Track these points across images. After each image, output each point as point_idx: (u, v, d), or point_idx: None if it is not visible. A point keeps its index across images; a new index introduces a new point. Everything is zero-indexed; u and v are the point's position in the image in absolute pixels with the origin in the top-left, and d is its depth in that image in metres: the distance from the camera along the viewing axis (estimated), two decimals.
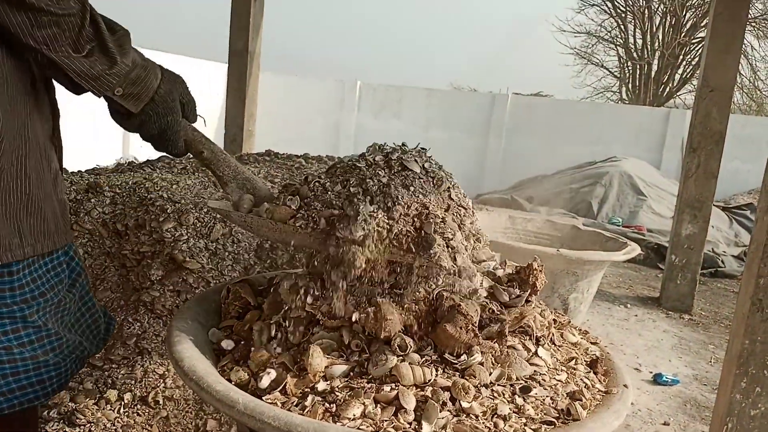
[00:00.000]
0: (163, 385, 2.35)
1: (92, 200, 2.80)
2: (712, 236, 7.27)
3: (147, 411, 2.19)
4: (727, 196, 9.77)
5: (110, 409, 2.16)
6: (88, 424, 2.06)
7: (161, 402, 2.24)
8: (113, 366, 2.37)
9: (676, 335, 4.48)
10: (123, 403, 2.20)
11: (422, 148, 1.32)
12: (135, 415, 2.16)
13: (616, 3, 16.65)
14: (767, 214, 2.62)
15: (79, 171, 3.21)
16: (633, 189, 8.37)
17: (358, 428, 0.86)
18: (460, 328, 1.01)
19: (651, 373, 3.66)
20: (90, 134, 8.27)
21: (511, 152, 11.21)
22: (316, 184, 1.17)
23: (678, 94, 16.28)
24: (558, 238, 2.74)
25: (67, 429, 2.04)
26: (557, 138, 10.97)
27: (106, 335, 1.38)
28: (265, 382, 0.97)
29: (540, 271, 1.21)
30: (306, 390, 0.94)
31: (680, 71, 16.13)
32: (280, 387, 0.95)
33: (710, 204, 5.06)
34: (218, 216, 2.82)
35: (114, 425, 2.07)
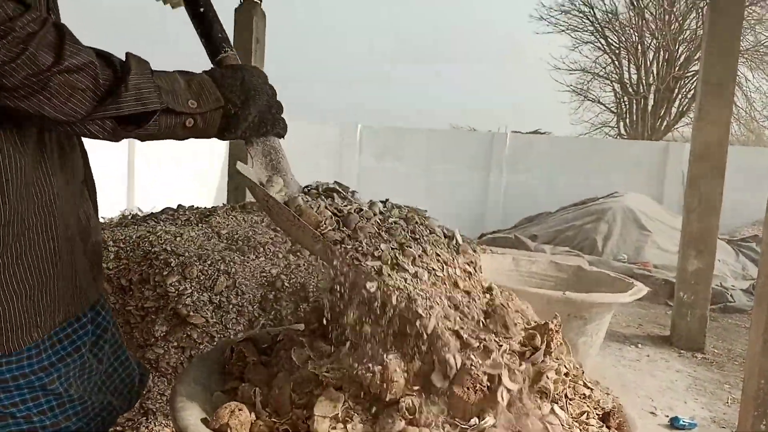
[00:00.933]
0: None
1: None
2: (719, 270, 7.21)
3: None
4: (731, 228, 9.74)
5: None
6: None
7: None
8: (117, 429, 2.33)
9: (690, 375, 4.39)
10: None
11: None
12: None
13: (609, 40, 16.98)
14: None
15: None
16: (636, 224, 8.35)
17: None
18: (468, 389, 0.99)
19: (667, 417, 3.57)
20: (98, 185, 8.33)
21: (512, 190, 11.27)
22: (373, 223, 1.14)
23: (676, 127, 16.43)
24: (563, 279, 2.72)
25: None
26: (558, 174, 11.04)
27: (140, 388, 1.33)
28: None
29: (557, 331, 1.18)
30: None
31: (676, 104, 16.33)
32: None
33: (715, 238, 5.03)
34: (221, 268, 2.82)
35: None
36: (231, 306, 2.75)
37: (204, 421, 1.05)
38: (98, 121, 0.89)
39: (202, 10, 1.17)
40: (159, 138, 0.99)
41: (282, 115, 1.14)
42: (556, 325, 1.23)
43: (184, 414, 1.05)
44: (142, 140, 0.99)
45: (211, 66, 1.13)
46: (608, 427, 1.10)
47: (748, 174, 9.42)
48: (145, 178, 9.50)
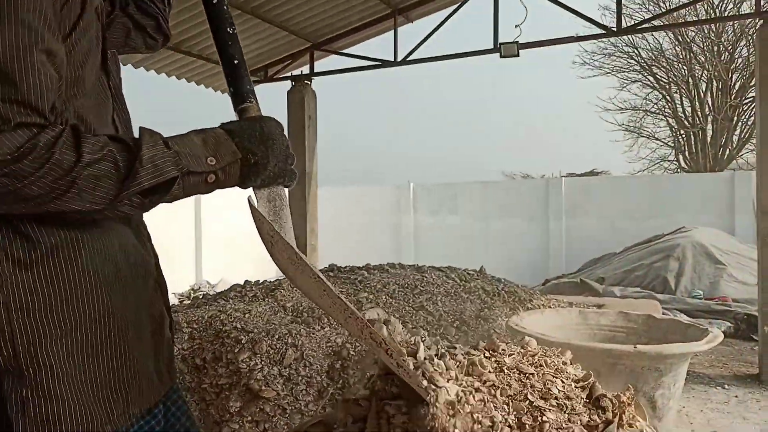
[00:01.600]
0: None
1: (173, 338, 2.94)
2: None
3: None
4: None
5: None
6: None
7: None
8: None
9: None
10: None
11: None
12: None
13: (657, 76, 16.71)
14: None
15: None
16: (709, 258, 8.00)
17: None
18: None
19: None
20: (165, 262, 8.74)
21: (573, 234, 11.04)
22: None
23: (740, 154, 15.81)
24: (633, 330, 2.64)
25: None
26: (618, 214, 10.77)
27: None
28: None
29: (629, 404, 1.16)
30: None
31: (737, 132, 15.76)
32: None
33: None
34: (289, 341, 2.90)
35: None
36: (300, 378, 2.81)
37: None
38: (125, 200, 0.94)
39: (236, 62, 1.21)
40: (186, 197, 1.02)
41: (293, 166, 1.17)
42: (629, 398, 1.21)
43: None
44: (170, 202, 1.03)
45: (235, 114, 1.17)
46: None
47: None
48: (212, 251, 9.91)
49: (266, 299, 3.44)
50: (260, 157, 1.05)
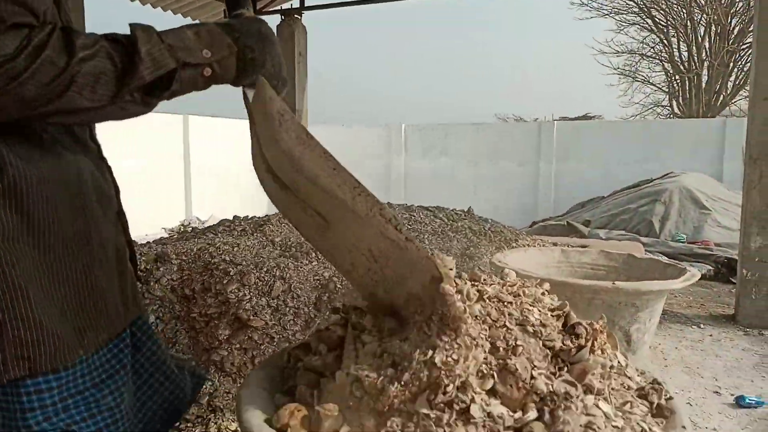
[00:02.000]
0: None
1: (161, 269, 2.98)
2: None
3: None
4: None
5: None
6: None
7: None
8: (188, 425, 2.48)
9: (757, 353, 4.26)
10: None
11: None
12: None
13: (656, 19, 16.38)
14: None
15: (147, 243, 3.43)
16: (695, 203, 8.09)
17: None
18: (510, 386, 1.04)
19: (732, 395, 3.49)
20: (157, 199, 8.75)
21: (563, 178, 11.09)
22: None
23: (733, 101, 15.73)
24: (614, 268, 2.70)
25: None
26: (609, 159, 10.79)
27: (192, 397, 1.41)
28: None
29: (601, 331, 1.21)
30: None
31: (732, 78, 15.64)
32: None
33: None
34: (277, 274, 2.94)
35: None
36: (288, 309, 2.88)
37: (267, 421, 1.14)
38: (127, 96, 0.95)
39: None
40: (184, 93, 1.03)
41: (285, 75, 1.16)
42: (602, 326, 1.26)
43: (248, 416, 1.14)
44: (169, 99, 1.03)
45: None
46: (652, 414, 1.13)
47: None
48: (202, 187, 9.88)
49: (255, 234, 3.46)
50: (258, 54, 1.05)
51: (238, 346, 2.80)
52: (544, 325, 1.14)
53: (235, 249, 3.09)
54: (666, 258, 6.50)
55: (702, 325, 4.94)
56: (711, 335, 4.69)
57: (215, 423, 2.57)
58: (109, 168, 1.27)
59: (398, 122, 12.17)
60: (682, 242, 7.43)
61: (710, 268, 6.74)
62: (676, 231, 7.85)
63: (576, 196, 10.35)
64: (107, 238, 1.17)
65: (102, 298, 1.13)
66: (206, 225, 7.70)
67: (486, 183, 11.25)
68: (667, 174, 9.12)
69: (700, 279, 6.58)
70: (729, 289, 6.09)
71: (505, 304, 1.18)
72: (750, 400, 3.39)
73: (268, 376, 1.32)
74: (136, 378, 1.25)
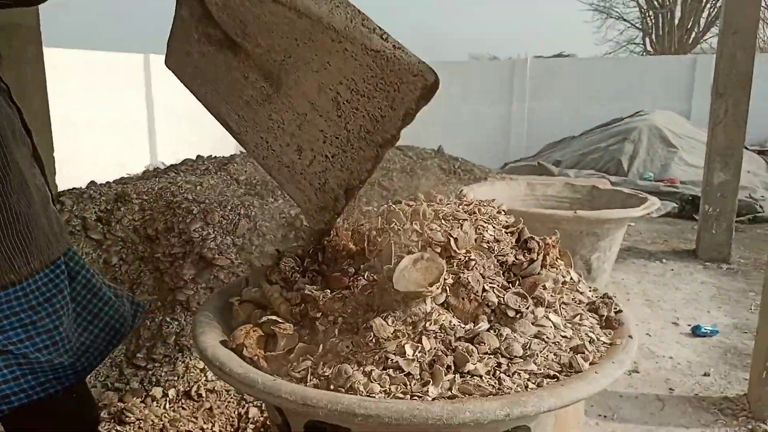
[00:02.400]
0: (204, 378, 2.45)
1: (122, 209, 2.91)
2: (749, 182, 7.07)
3: (191, 404, 2.30)
4: (763, 139, 9.47)
5: (157, 406, 2.28)
6: (137, 422, 2.18)
7: (204, 395, 2.35)
8: (156, 365, 2.49)
9: (715, 286, 4.41)
10: (168, 399, 2.31)
11: None
12: (180, 409, 2.27)
13: None
14: None
15: (107, 182, 3.34)
16: (663, 142, 8.17)
17: (368, 395, 0.91)
18: (463, 299, 1.05)
19: (689, 326, 3.62)
20: (118, 145, 8.51)
21: (536, 117, 11.06)
22: None
23: (704, 39, 15.73)
24: (578, 200, 2.73)
25: (118, 428, 2.15)
26: (582, 98, 10.77)
27: (133, 323, 1.46)
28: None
29: (554, 246, 1.22)
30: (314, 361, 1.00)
31: (705, 15, 15.58)
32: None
33: (741, 150, 4.92)
34: (242, 212, 2.90)
35: (161, 420, 2.18)
36: (254, 247, 2.85)
37: (222, 343, 1.14)
38: None
39: None
40: None
41: None
42: (554, 241, 1.28)
43: (204, 338, 1.14)
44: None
45: None
46: (601, 326, 1.15)
47: None
48: (167, 133, 9.63)
49: (219, 173, 3.40)
50: None
51: (203, 285, 2.78)
52: (498, 241, 1.14)
53: (198, 188, 3.03)
54: None
55: (664, 260, 5.08)
56: (672, 269, 4.82)
57: (183, 362, 2.58)
58: (19, 110, 1.30)
59: None
60: (649, 180, 7.54)
61: (675, 205, 6.87)
62: (644, 169, 7.95)
63: (548, 136, 10.37)
64: (26, 174, 1.19)
65: (27, 227, 1.17)
66: None
67: (458, 124, 11.17)
68: (637, 112, 9.16)
69: (665, 216, 6.78)
70: (692, 226, 6.23)
71: (461, 222, 1.17)
72: (705, 329, 3.52)
73: (223, 304, 1.31)
74: (75, 305, 1.30)
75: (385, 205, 1.24)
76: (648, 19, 16.60)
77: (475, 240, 1.13)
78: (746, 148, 7.22)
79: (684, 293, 4.25)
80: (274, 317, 1.14)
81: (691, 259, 5.09)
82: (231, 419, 2.26)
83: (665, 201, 6.82)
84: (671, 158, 7.91)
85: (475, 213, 1.21)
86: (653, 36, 16.37)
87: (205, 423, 2.24)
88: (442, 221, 1.16)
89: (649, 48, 16.60)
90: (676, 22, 15.61)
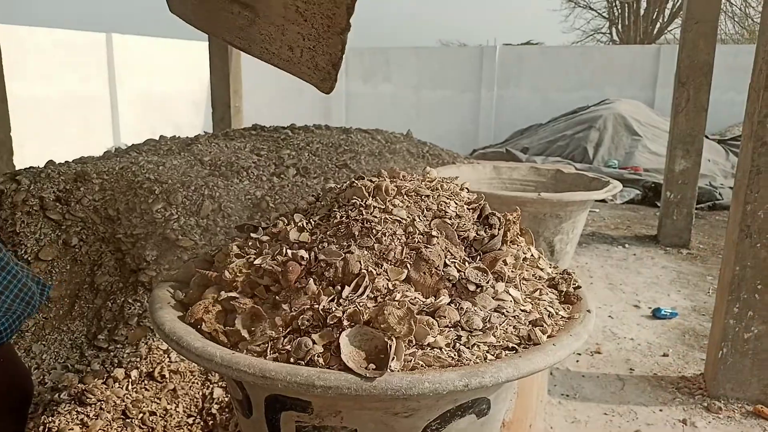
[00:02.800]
0: (168, 360, 2.41)
1: (81, 189, 2.83)
2: (709, 170, 7.26)
3: (155, 386, 2.26)
4: (723, 128, 9.71)
5: (119, 387, 2.24)
6: (98, 403, 2.13)
7: (167, 376, 2.31)
8: (118, 346, 2.44)
9: (675, 270, 4.53)
10: (131, 380, 2.27)
11: None
12: (143, 390, 2.24)
13: None
14: (751, 140, 2.64)
15: (66, 161, 3.24)
16: (627, 130, 8.32)
17: (328, 367, 0.90)
18: (424, 273, 1.05)
19: (650, 308, 3.72)
20: (80, 126, 8.28)
21: (504, 104, 11.13)
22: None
23: (668, 29, 16.03)
24: (542, 183, 2.76)
25: (78, 409, 2.11)
26: (549, 86, 10.88)
27: (40, 298, 1.48)
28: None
29: (515, 222, 1.23)
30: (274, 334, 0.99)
31: (669, 5, 15.85)
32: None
33: (702, 137, 5.04)
34: (206, 193, 2.85)
35: (123, 401, 2.14)
36: (218, 228, 2.81)
37: (181, 318, 1.12)
38: None
39: None
40: None
41: None
42: (515, 217, 1.29)
43: (161, 313, 1.11)
44: None
45: None
46: (560, 302, 1.16)
47: (740, 73, 9.28)
48: (131, 114, 9.40)
49: (182, 153, 3.33)
50: None
51: (167, 266, 2.73)
52: (459, 216, 1.14)
53: (161, 168, 2.97)
54: None
55: (627, 245, 5.19)
56: (635, 254, 4.94)
57: (146, 343, 2.54)
58: None
59: None
60: (614, 168, 7.68)
61: (638, 192, 7.01)
62: (609, 157, 8.09)
63: (516, 123, 10.45)
64: None
65: None
66: None
67: (428, 109, 11.18)
68: (603, 101, 9.30)
69: (628, 202, 6.91)
70: (654, 213, 6.38)
71: (423, 198, 1.17)
72: (665, 312, 3.62)
73: (183, 279, 1.29)
74: None
75: (348, 182, 1.23)
76: (614, 9, 16.83)
77: (438, 216, 1.13)
78: (707, 137, 7.40)
79: (645, 277, 4.36)
80: (233, 294, 1.13)
81: (653, 245, 5.21)
82: (195, 400, 2.24)
83: (629, 188, 6.96)
84: (635, 146, 8.06)
85: (437, 189, 1.21)
86: (619, 26, 16.61)
87: (168, 404, 2.21)
88: (405, 197, 1.16)
89: (615, 37, 16.84)
90: (642, 12, 15.85)
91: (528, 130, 9.82)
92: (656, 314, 3.63)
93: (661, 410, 2.58)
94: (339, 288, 1.04)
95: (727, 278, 2.70)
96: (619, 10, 16.71)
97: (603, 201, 6.78)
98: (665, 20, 15.96)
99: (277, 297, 1.07)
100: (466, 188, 1.29)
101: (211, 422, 2.14)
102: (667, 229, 5.19)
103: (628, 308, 3.75)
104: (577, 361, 3.02)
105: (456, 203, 1.18)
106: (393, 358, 0.88)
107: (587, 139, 8.29)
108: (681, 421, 2.49)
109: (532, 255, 1.25)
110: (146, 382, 2.28)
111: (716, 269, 4.47)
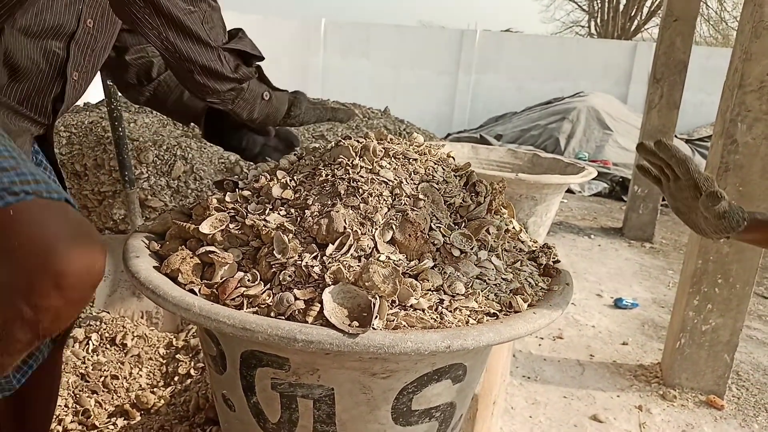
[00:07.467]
0: (132, 325, 2.36)
1: None
2: None
3: (116, 351, 2.21)
4: (691, 128, 9.94)
5: (80, 348, 2.18)
6: None
7: (131, 342, 2.26)
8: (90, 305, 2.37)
9: (638, 263, 4.64)
10: (91, 343, 2.21)
11: None
12: (106, 352, 2.18)
13: None
14: (721, 138, 2.70)
15: None
16: (599, 124, 8.44)
17: (312, 323, 0.89)
18: (410, 236, 1.04)
19: (612, 298, 3.80)
20: None
21: (480, 90, 11.15)
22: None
23: (645, 27, 16.25)
24: (519, 166, 2.78)
25: None
26: (526, 75, 10.94)
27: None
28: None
29: (500, 192, 1.23)
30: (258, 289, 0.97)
31: (648, 3, 16.07)
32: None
33: (672, 134, 5.14)
34: (178, 153, 2.79)
35: (84, 363, 2.09)
36: (189, 191, 2.75)
37: (156, 268, 1.08)
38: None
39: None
40: (246, 99, 1.27)
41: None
42: (501, 186, 1.29)
43: (136, 262, 1.08)
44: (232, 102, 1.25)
45: None
46: (540, 274, 1.17)
47: (712, 75, 9.49)
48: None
49: (154, 113, 3.23)
50: (298, 113, 1.37)
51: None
52: (446, 182, 1.13)
53: (132, 125, 2.88)
54: None
55: (592, 236, 5.29)
56: (599, 245, 5.04)
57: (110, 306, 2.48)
58: None
59: (318, 17, 11.59)
60: (584, 160, 7.79)
61: (606, 186, 7.14)
62: (580, 149, 8.20)
63: (491, 109, 10.49)
64: None
65: None
66: None
67: (404, 89, 11.12)
68: (578, 93, 9.41)
69: (596, 195, 7.03)
70: (620, 206, 6.51)
71: (410, 161, 1.16)
72: (626, 302, 3.71)
73: (160, 228, 1.25)
74: None
75: (334, 142, 1.21)
76: (594, 2, 16.98)
77: (425, 180, 1.12)
78: (675, 137, 7.56)
79: (609, 268, 4.45)
80: (211, 247, 1.10)
81: (618, 237, 5.32)
82: (160, 365, 2.20)
83: (597, 181, 7.08)
84: (606, 140, 8.19)
85: (425, 154, 1.20)
86: (598, 20, 16.77)
87: (132, 368, 2.16)
88: (392, 159, 1.15)
89: (593, 31, 17.01)
90: (621, 8, 16.03)
91: (502, 117, 9.88)
92: (618, 304, 3.71)
93: (618, 396, 2.65)
94: (323, 246, 1.02)
95: (690, 271, 2.78)
96: (599, 5, 16.87)
97: (571, 192, 6.89)
98: (643, 18, 16.18)
99: (258, 253, 1.05)
100: (452, 156, 1.28)
101: (176, 387, 2.11)
102: (632, 223, 5.30)
103: (591, 297, 3.83)
104: (540, 345, 3.07)
105: (443, 169, 1.18)
106: (376, 317, 0.87)
107: (560, 130, 8.38)
108: (637, 407, 2.56)
109: (513, 227, 1.26)
110: (107, 346, 2.23)
111: (677, 264, 4.60)
